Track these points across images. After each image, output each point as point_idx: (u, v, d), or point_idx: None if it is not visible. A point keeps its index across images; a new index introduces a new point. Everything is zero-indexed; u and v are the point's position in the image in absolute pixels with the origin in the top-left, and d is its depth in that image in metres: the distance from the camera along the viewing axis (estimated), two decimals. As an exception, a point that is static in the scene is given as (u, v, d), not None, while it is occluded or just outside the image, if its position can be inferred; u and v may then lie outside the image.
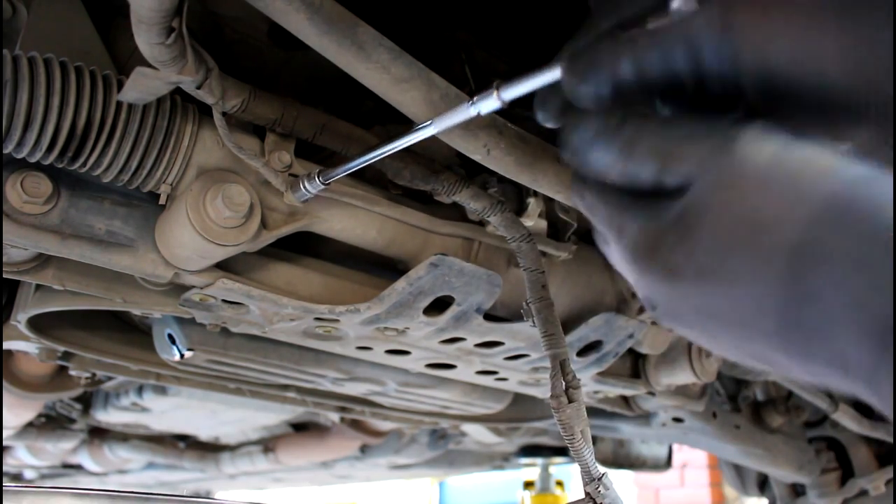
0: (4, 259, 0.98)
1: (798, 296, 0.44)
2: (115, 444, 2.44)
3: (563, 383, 0.91)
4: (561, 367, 0.92)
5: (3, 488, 1.03)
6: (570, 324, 1.24)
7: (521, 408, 1.91)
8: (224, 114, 0.89)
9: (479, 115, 0.66)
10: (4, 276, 1.00)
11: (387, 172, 1.01)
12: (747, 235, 0.48)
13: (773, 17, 0.48)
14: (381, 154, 0.81)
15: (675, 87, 0.51)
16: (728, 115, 0.51)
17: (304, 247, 1.13)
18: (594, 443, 0.92)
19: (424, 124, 0.73)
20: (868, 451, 2.12)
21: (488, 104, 0.64)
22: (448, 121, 0.70)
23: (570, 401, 0.89)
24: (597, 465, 0.90)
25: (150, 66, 0.78)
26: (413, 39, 0.93)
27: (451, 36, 1.22)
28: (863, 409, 2.05)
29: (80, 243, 0.93)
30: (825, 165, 0.47)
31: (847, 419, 1.96)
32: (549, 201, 1.14)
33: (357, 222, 1.05)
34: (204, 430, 2.41)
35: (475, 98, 0.65)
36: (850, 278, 0.41)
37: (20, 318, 1.19)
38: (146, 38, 0.74)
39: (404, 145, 0.77)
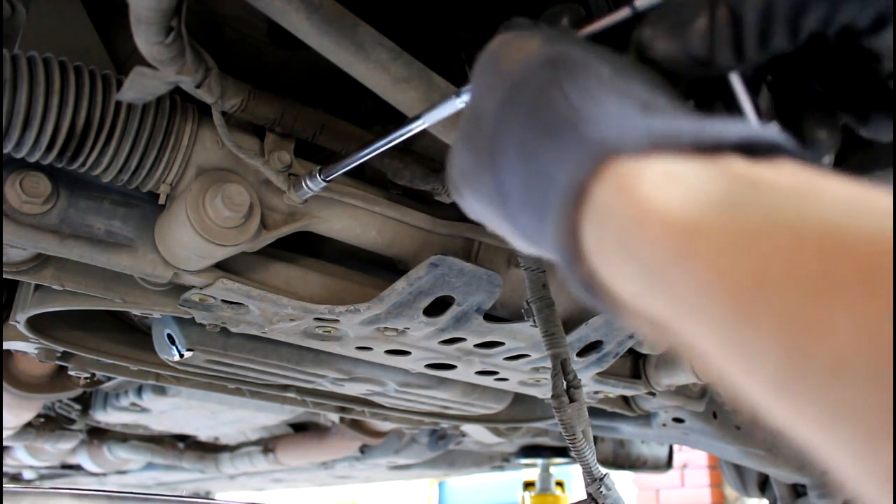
0: (4, 259, 0.97)
1: (500, 187, 0.47)
2: (115, 444, 2.44)
3: (565, 383, 0.91)
4: (562, 367, 0.92)
5: (3, 489, 1.02)
6: (570, 324, 1.24)
7: (521, 408, 1.91)
8: (223, 113, 0.89)
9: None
10: (4, 276, 0.99)
11: (387, 172, 1.01)
12: (470, 134, 0.50)
13: None
14: (381, 147, 0.81)
15: None
16: None
17: (304, 247, 1.13)
18: (595, 443, 0.92)
19: (415, 120, 0.73)
20: (869, 452, 2.11)
21: None
22: (436, 114, 0.70)
23: (572, 400, 0.89)
24: (598, 465, 0.90)
25: (149, 65, 0.78)
26: (413, 39, 0.93)
27: (451, 36, 1.21)
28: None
29: (80, 243, 0.92)
30: (523, 50, 0.48)
31: (847, 419, 1.96)
32: (549, 201, 1.14)
33: (357, 222, 1.04)
34: (203, 431, 2.41)
35: (460, 89, 0.65)
36: (519, 163, 0.44)
37: (19, 319, 1.19)
38: (145, 38, 0.74)
39: (396, 141, 0.77)
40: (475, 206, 0.53)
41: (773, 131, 0.36)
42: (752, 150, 0.35)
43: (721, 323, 0.29)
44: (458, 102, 0.66)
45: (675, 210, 0.32)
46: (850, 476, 0.26)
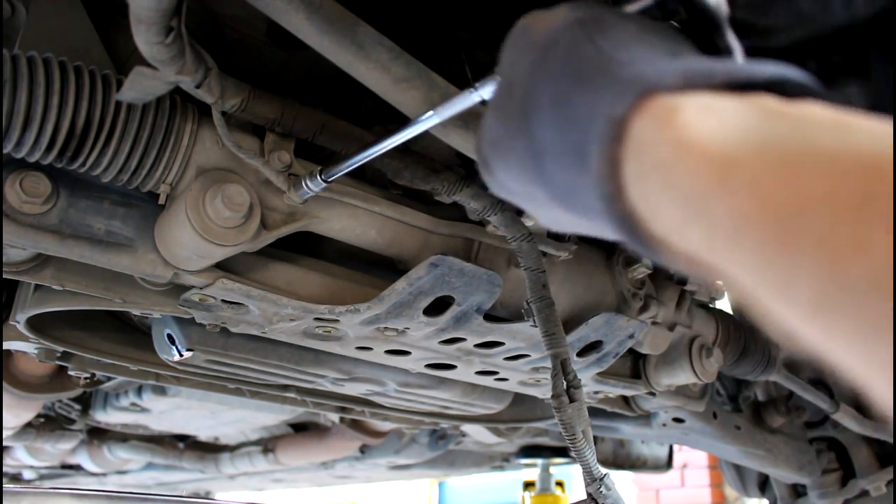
0: (4, 259, 0.97)
1: (534, 146, 0.47)
2: (115, 444, 2.43)
3: (565, 383, 0.91)
4: (562, 367, 0.92)
5: (3, 489, 1.02)
6: (570, 324, 1.24)
7: (521, 408, 1.91)
8: (223, 113, 0.89)
9: (482, 103, 0.65)
10: (4, 276, 0.99)
11: (387, 172, 1.01)
12: (501, 103, 0.51)
13: None
14: (384, 147, 0.81)
15: None
16: None
17: (304, 247, 1.12)
18: (595, 443, 0.92)
19: (426, 115, 0.73)
20: (869, 452, 2.11)
21: (490, 90, 0.64)
22: (450, 109, 0.69)
23: (572, 400, 0.89)
24: (598, 465, 0.90)
25: (149, 65, 0.78)
26: (413, 39, 0.93)
27: (451, 36, 1.21)
28: (864, 410, 2.05)
29: (80, 243, 0.92)
30: (550, 18, 0.49)
31: (848, 419, 1.96)
32: (549, 201, 1.14)
33: (357, 222, 1.04)
34: (203, 431, 2.41)
35: (477, 84, 0.65)
36: (554, 115, 0.45)
37: (19, 319, 1.19)
38: (145, 38, 0.74)
39: (407, 137, 0.77)
40: (504, 180, 0.53)
41: (801, 73, 0.38)
42: (783, 89, 0.37)
43: (761, 248, 0.30)
44: (475, 96, 0.66)
45: (714, 141, 0.33)
46: (888, 394, 0.27)
